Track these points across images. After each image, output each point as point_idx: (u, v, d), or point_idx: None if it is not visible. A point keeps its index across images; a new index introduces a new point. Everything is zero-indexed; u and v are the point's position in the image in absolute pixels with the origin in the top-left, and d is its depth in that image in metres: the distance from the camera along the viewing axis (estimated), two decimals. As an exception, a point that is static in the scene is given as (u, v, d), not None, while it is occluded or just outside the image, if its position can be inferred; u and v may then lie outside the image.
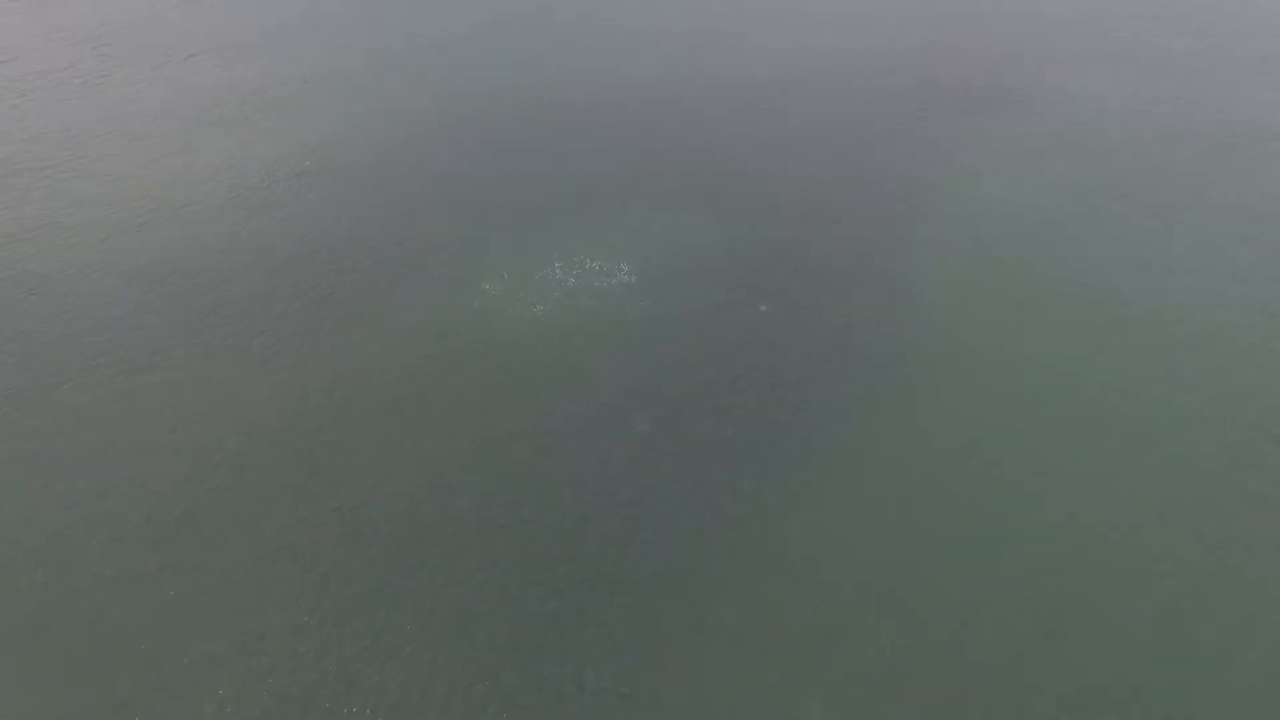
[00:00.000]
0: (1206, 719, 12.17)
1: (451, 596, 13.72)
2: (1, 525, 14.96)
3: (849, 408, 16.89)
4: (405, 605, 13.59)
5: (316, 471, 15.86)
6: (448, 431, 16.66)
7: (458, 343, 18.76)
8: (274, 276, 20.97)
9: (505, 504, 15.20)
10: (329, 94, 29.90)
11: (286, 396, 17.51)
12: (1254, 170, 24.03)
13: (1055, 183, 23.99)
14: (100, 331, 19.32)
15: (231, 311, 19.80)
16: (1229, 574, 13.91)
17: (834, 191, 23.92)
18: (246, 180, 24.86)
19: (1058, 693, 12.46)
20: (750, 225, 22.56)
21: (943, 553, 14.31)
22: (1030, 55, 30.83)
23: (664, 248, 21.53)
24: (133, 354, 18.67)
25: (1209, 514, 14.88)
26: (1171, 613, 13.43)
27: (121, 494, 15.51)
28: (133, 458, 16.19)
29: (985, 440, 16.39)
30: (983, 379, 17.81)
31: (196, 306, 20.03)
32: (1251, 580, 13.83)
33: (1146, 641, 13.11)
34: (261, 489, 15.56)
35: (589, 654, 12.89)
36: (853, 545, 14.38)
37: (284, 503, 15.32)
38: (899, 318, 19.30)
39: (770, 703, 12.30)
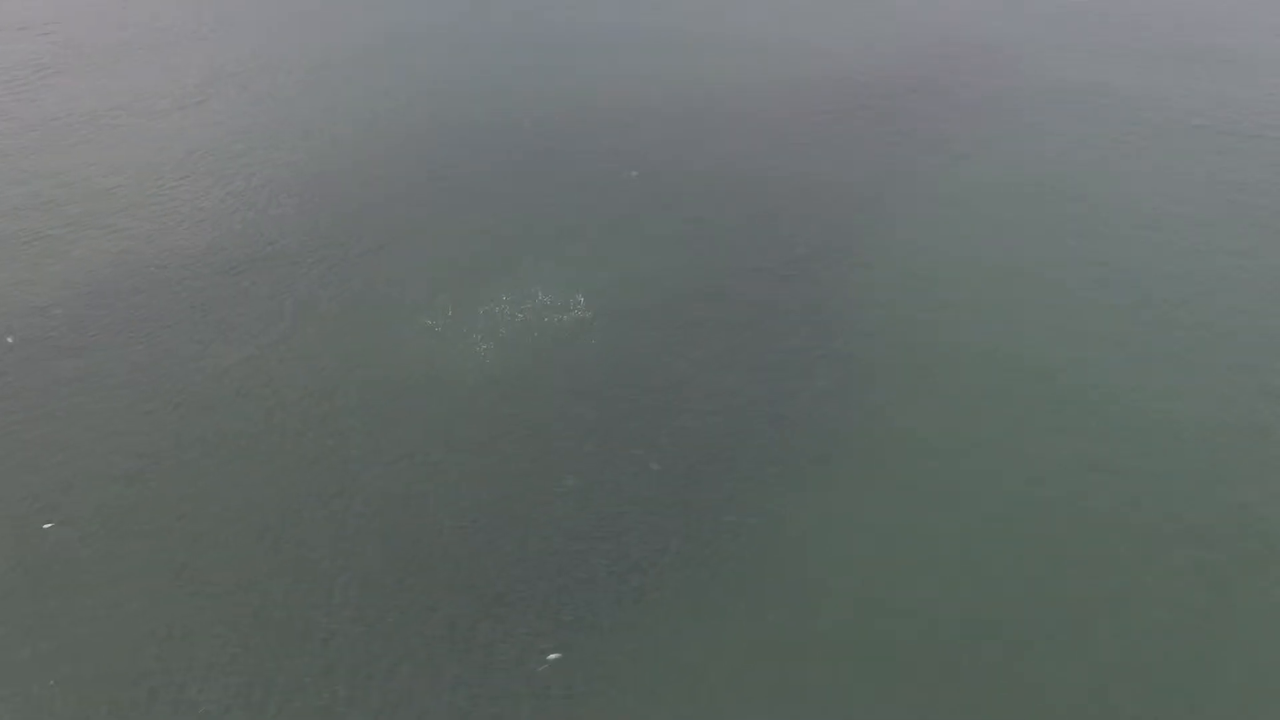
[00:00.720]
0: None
1: (346, 669, 12.22)
2: None
3: (821, 437, 15.72)
4: (284, 683, 12.06)
5: (197, 539, 14.22)
6: (360, 483, 15.06)
7: (389, 385, 17.10)
8: (196, 303, 19.22)
9: (413, 564, 13.69)
10: (261, 102, 28.13)
11: (180, 436, 15.85)
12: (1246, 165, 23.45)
13: (1039, 182, 23.32)
14: (-7, 364, 17.49)
15: (145, 342, 18.04)
16: (1230, 582, 13.48)
17: (807, 204, 22.78)
18: (176, 197, 23.02)
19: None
20: (720, 246, 21.30)
21: (933, 573, 13.37)
22: (1014, 54, 30.09)
23: (624, 275, 20.15)
24: (21, 386, 16.87)
25: (1211, 519, 14.40)
26: (1173, 617, 12.96)
27: None
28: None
29: (978, 446, 15.72)
30: (973, 384, 17.08)
31: (108, 331, 18.25)
32: (1250, 587, 13.43)
33: (1147, 646, 12.60)
34: (137, 547, 13.90)
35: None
36: (839, 557, 13.22)
37: (155, 564, 13.68)
38: (876, 333, 18.18)
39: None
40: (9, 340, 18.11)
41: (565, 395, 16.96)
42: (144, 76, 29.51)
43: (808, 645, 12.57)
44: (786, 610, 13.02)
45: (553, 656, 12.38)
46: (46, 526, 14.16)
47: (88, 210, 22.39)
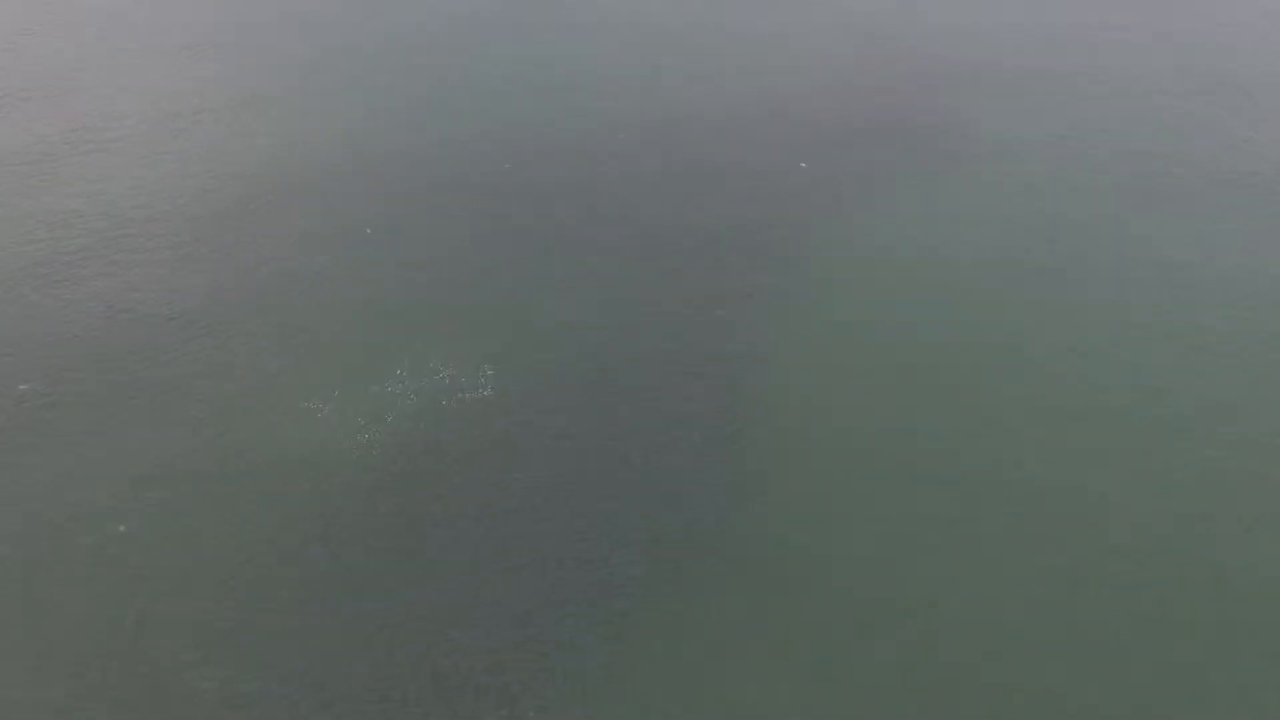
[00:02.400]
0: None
1: None
2: None
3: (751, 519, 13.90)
4: None
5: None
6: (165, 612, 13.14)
7: (244, 484, 15.10)
8: (56, 372, 17.32)
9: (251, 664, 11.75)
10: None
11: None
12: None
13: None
14: None
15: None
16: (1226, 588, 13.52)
17: (739, 253, 21.05)
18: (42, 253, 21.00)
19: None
20: (648, 304, 19.45)
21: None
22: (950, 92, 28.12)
23: (535, 346, 18.24)
24: None
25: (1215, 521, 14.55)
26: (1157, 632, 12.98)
27: None
28: None
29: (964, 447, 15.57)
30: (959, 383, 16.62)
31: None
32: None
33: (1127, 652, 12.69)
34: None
35: None
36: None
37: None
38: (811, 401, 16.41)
39: None
40: None
41: (449, 491, 15.08)
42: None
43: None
44: None
45: None
46: None
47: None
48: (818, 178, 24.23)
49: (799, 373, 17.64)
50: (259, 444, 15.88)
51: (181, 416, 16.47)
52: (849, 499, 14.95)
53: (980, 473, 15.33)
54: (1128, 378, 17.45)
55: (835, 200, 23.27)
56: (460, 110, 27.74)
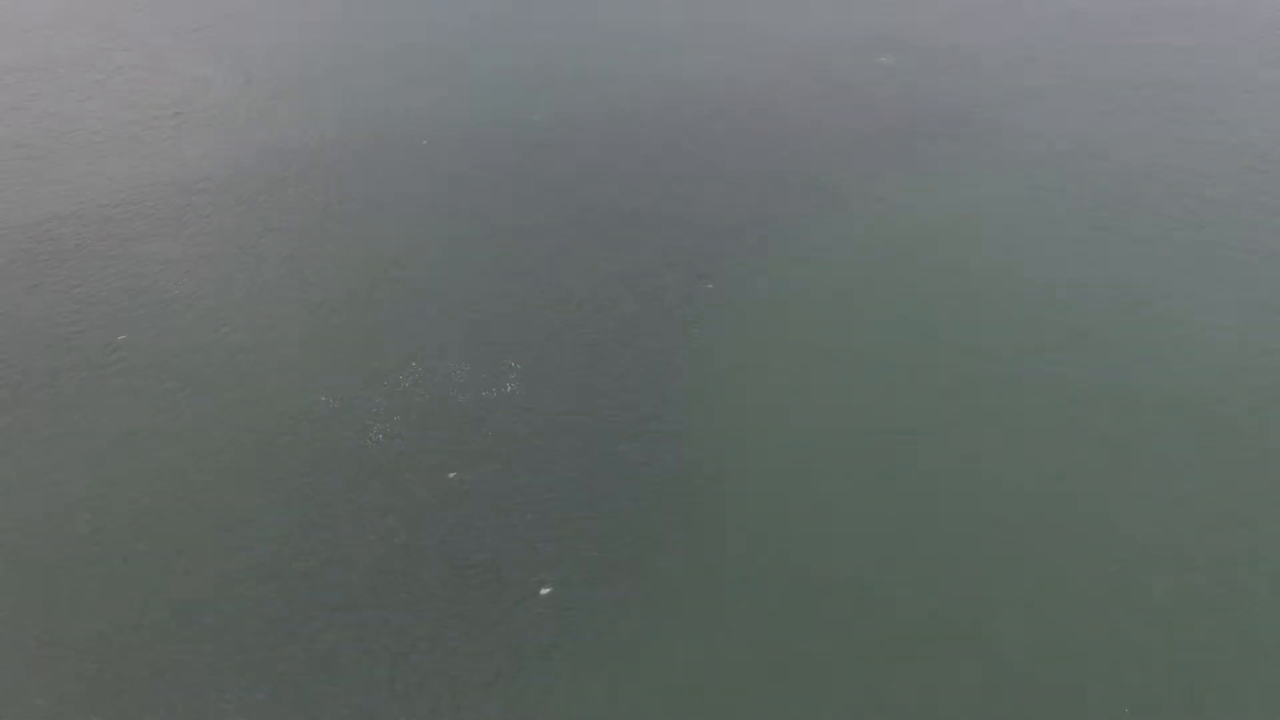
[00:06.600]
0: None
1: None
2: None
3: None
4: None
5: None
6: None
7: (249, 480, 15.87)
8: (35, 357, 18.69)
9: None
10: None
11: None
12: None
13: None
14: None
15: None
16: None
17: (769, 243, 22.22)
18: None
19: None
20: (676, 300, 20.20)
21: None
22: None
23: (564, 341, 18.84)
24: None
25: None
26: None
27: None
28: None
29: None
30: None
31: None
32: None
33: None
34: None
35: None
36: None
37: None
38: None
39: None
40: None
41: (455, 497, 15.84)
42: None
43: None
44: None
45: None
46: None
47: None
48: (815, 176, 25.14)
49: (815, 371, 18.65)
50: (266, 437, 16.69)
51: (181, 406, 17.44)
52: (840, 498, 15.86)
53: (952, 471, 16.05)
54: (1103, 374, 17.98)
55: (832, 196, 24.32)
56: (472, 100, 28.71)
